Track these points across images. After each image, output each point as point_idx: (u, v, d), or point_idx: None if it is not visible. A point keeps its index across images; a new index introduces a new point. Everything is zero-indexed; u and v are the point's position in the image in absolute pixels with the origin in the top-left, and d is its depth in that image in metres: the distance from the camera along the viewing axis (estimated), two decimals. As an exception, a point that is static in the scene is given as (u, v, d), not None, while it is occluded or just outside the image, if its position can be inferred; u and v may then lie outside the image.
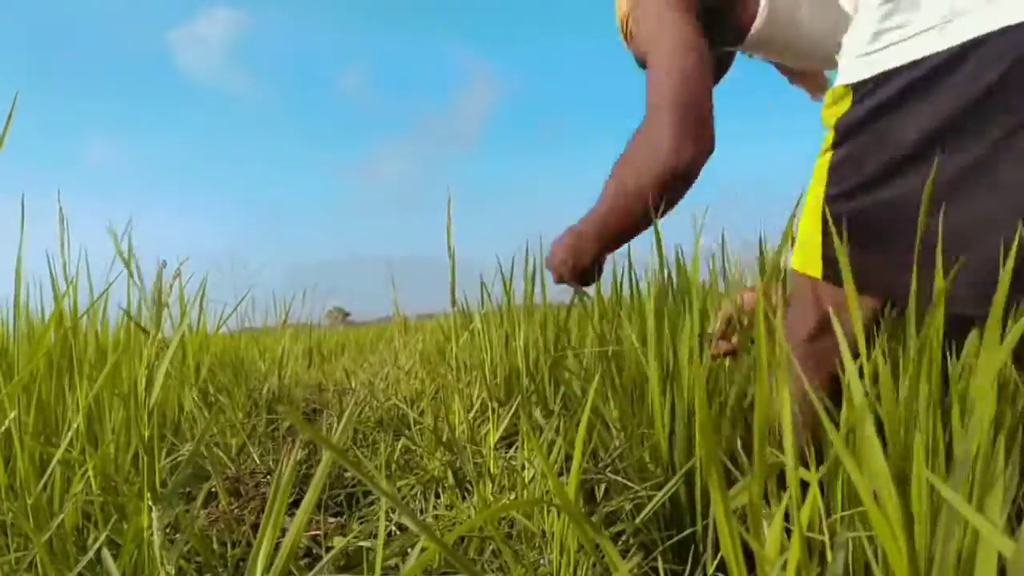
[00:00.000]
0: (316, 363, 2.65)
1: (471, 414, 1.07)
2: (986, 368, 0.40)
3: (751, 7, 0.81)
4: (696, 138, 0.76)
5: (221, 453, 1.03)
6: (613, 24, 1.02)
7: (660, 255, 0.89)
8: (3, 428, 0.67)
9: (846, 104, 0.68)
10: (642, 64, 0.88)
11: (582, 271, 0.93)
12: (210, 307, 1.51)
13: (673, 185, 0.78)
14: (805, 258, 0.70)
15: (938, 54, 0.62)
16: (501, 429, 0.94)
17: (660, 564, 0.63)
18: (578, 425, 0.57)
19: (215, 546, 0.74)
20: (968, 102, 0.60)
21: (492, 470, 0.84)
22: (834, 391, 0.67)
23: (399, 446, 1.01)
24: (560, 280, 0.96)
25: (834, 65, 0.73)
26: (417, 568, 0.29)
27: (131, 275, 0.98)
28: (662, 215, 0.80)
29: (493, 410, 1.00)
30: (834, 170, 0.68)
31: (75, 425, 0.72)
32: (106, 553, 0.52)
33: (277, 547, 0.45)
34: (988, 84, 0.59)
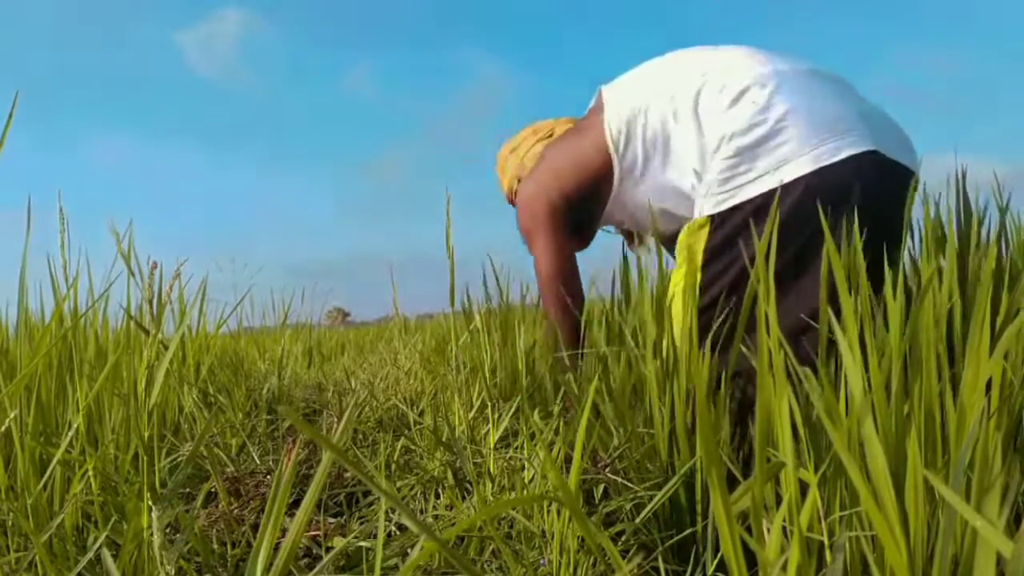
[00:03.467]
0: (316, 363, 2.65)
1: (471, 414, 1.07)
2: (974, 368, 0.40)
3: (604, 200, 1.16)
4: (568, 309, 1.19)
5: (221, 453, 1.03)
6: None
7: (660, 257, 0.90)
8: (3, 428, 0.67)
9: (706, 231, 0.98)
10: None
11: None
12: (210, 307, 1.51)
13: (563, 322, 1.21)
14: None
15: (765, 191, 0.94)
16: (501, 429, 0.94)
17: (660, 564, 0.63)
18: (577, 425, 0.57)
19: (215, 546, 0.74)
20: (781, 227, 0.87)
21: (492, 470, 0.84)
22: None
23: (399, 446, 1.01)
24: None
25: (647, 230, 1.18)
26: (416, 563, 0.30)
27: (132, 275, 0.98)
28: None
29: (493, 410, 1.00)
30: (704, 288, 0.98)
31: (75, 425, 0.72)
32: (106, 553, 0.52)
33: (277, 547, 0.45)
34: (788, 213, 0.90)
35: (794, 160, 0.94)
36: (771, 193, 0.94)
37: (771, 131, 0.96)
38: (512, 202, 1.41)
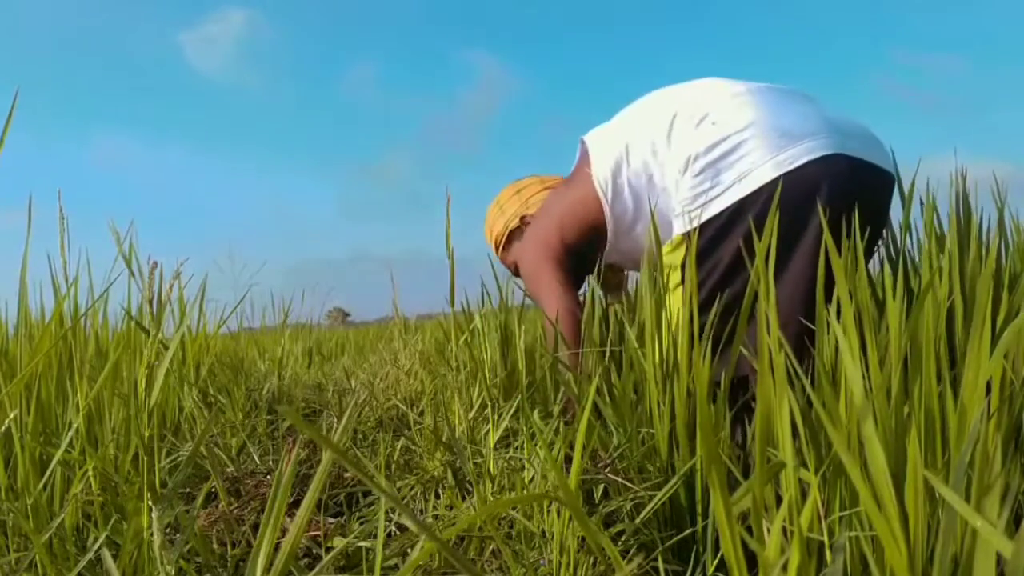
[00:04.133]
0: (316, 363, 2.64)
1: (471, 414, 1.07)
2: (975, 368, 0.40)
3: (602, 246, 1.22)
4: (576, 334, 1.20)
5: (221, 453, 1.03)
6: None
7: (660, 257, 0.90)
8: (3, 428, 0.67)
9: (682, 249, 1.03)
10: (514, 272, 1.42)
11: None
12: (210, 307, 1.51)
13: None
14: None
15: (732, 204, 0.98)
16: (501, 429, 0.94)
17: (660, 564, 0.63)
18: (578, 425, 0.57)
19: (215, 546, 0.74)
20: (747, 237, 0.97)
21: (492, 470, 0.84)
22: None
23: (399, 446, 1.01)
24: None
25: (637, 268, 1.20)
26: (416, 563, 0.30)
27: (132, 275, 0.98)
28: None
29: (493, 410, 1.00)
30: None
31: (75, 425, 0.72)
32: (106, 553, 0.52)
33: (277, 547, 0.45)
34: (754, 222, 0.93)
35: (756, 170, 0.97)
36: (736, 205, 0.98)
37: (733, 146, 0.99)
38: (499, 243, 1.45)
